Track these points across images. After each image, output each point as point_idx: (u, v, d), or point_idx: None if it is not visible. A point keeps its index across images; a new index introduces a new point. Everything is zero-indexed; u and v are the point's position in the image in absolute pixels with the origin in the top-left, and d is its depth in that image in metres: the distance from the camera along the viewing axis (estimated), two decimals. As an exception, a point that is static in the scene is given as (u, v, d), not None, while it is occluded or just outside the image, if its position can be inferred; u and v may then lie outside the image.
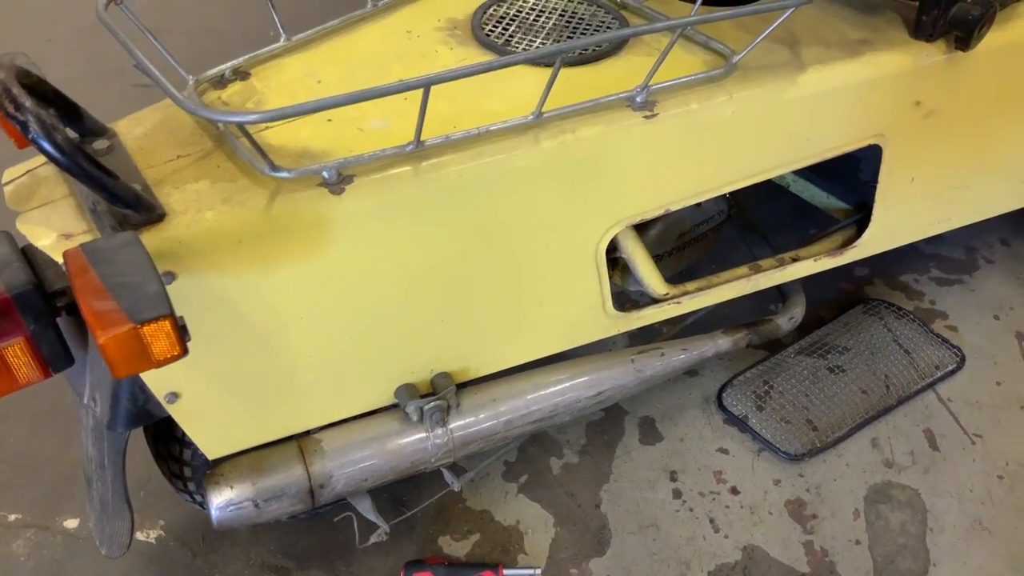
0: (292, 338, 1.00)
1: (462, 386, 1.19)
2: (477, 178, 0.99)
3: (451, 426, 1.16)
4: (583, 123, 1.04)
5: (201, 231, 0.87)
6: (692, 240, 1.49)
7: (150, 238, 0.85)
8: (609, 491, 1.48)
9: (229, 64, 1.11)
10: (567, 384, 1.24)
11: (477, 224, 1.04)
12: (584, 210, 1.10)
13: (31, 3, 2.93)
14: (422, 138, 0.95)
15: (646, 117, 1.06)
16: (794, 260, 1.40)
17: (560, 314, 1.20)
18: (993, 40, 1.24)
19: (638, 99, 1.06)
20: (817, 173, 1.60)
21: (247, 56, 1.12)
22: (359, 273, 0.99)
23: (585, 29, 1.22)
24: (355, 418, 1.14)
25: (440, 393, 1.14)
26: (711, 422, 1.59)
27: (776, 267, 1.38)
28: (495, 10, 1.26)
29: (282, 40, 1.15)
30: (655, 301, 1.29)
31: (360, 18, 1.23)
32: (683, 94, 1.09)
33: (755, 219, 1.65)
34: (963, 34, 1.18)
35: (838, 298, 1.84)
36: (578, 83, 1.11)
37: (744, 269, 1.37)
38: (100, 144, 0.95)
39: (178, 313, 0.75)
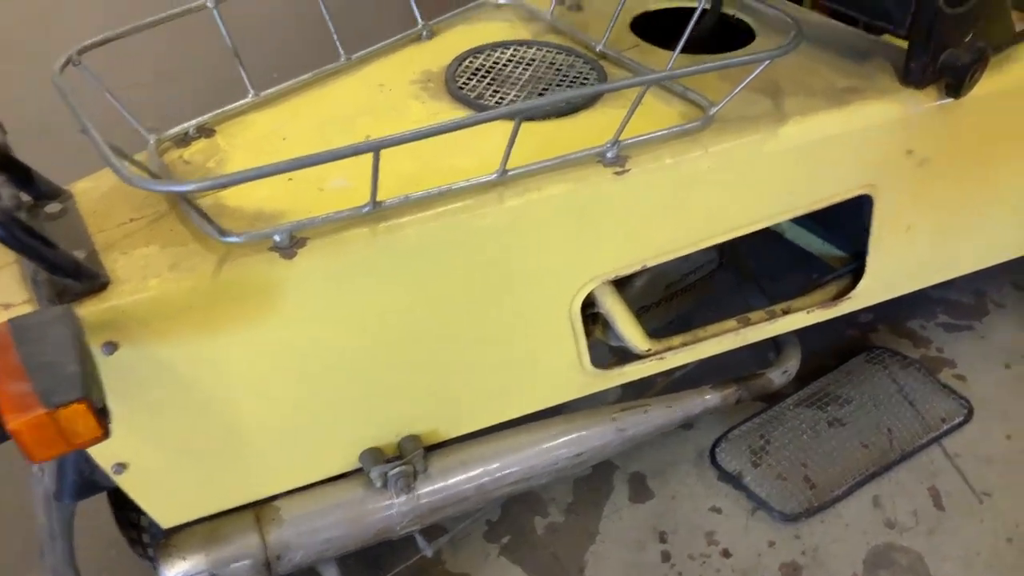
0: (245, 405, 0.96)
1: (432, 448, 1.15)
2: (438, 239, 0.96)
3: (419, 492, 1.12)
4: (550, 180, 1.01)
5: (145, 299, 0.85)
6: (681, 290, 1.44)
7: (91, 308, 0.83)
8: (595, 553, 1.42)
9: (194, 121, 1.09)
10: (544, 445, 1.20)
11: (441, 285, 1.00)
12: (554, 268, 1.07)
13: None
14: (380, 199, 0.92)
15: (617, 173, 1.03)
16: (785, 312, 1.34)
17: (534, 373, 1.16)
18: (988, 86, 1.19)
19: (608, 155, 1.03)
20: (813, 219, 1.54)
21: (213, 113, 1.11)
22: (315, 337, 0.96)
23: (561, 81, 1.19)
24: (319, 484, 1.10)
25: (406, 457, 1.09)
26: (704, 479, 1.53)
27: (766, 320, 1.33)
28: (471, 62, 1.23)
29: (250, 96, 1.13)
30: (638, 357, 1.24)
31: (333, 71, 1.21)
32: (656, 149, 1.05)
33: (751, 266, 1.61)
34: (954, 81, 1.13)
35: (841, 345, 1.77)
36: (550, 137, 1.08)
37: (732, 322, 1.32)
38: (52, 208, 0.93)
39: (119, 383, 0.72)
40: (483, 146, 1.06)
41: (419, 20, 1.30)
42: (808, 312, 1.35)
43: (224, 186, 0.89)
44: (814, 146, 1.13)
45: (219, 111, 1.11)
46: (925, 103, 1.17)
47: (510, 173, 0.98)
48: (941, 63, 1.14)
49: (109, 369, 0.84)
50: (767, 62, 1.03)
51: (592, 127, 1.10)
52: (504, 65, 1.23)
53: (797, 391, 1.68)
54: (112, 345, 0.84)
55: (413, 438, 1.12)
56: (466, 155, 1.05)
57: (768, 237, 1.57)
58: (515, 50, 1.26)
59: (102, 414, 0.72)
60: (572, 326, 1.13)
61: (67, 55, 0.97)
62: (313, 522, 1.07)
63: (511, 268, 1.04)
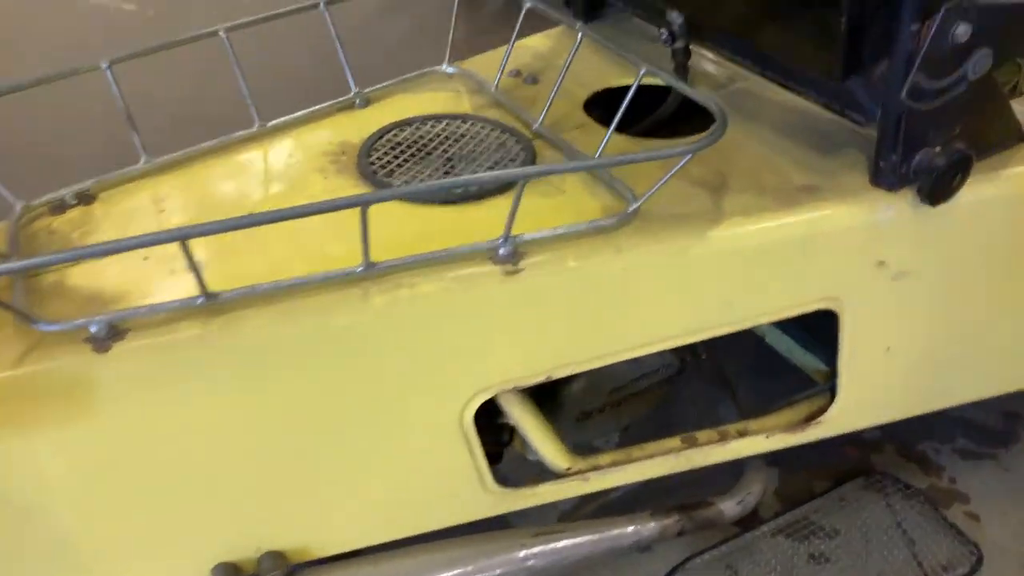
0: (64, 510, 0.86)
1: (306, 566, 1.02)
2: (286, 339, 0.85)
3: (278, 623, 0.98)
4: (427, 276, 0.88)
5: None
6: (631, 395, 1.29)
7: None
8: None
9: (74, 187, 1.02)
10: (430, 574, 1.05)
11: (293, 390, 0.89)
12: (436, 375, 0.94)
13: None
14: (218, 289, 0.82)
15: (507, 273, 0.90)
16: (740, 435, 1.17)
17: (422, 490, 1.02)
18: (980, 191, 1.02)
19: (500, 251, 0.90)
20: (794, 324, 1.37)
21: (97, 179, 1.03)
22: (139, 439, 0.85)
23: (485, 161, 1.08)
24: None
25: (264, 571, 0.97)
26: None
27: (716, 441, 1.16)
28: (394, 135, 1.14)
29: (141, 161, 1.06)
30: (558, 476, 1.09)
31: (244, 138, 1.13)
32: (560, 247, 0.92)
33: (727, 372, 1.44)
34: (927, 187, 0.97)
35: (836, 465, 1.56)
36: (450, 225, 0.97)
37: (675, 442, 1.15)
38: None
39: None
40: (377, 232, 0.95)
41: (352, 86, 1.22)
42: (768, 436, 1.18)
43: (26, 269, 0.80)
44: (754, 252, 0.98)
45: (105, 176, 1.04)
46: (897, 209, 1.01)
47: (380, 266, 0.87)
48: (914, 165, 0.98)
49: None
50: (688, 156, 0.89)
51: (501, 216, 0.98)
52: (429, 140, 1.13)
53: (777, 516, 1.48)
54: None
55: (275, 555, 0.99)
56: (349, 241, 0.93)
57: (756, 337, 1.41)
58: (447, 124, 1.16)
59: None
60: (466, 439, 0.99)
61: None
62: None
63: (382, 373, 0.91)
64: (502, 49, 1.37)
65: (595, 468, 1.11)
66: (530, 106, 1.20)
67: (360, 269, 0.86)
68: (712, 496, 1.26)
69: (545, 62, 1.35)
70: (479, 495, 1.04)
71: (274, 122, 1.15)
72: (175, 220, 0.97)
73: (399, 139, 1.13)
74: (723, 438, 1.17)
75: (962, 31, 0.86)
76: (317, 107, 1.20)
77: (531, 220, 0.94)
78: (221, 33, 1.10)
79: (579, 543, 1.14)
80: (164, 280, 0.88)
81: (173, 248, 0.88)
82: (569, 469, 1.09)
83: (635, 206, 0.95)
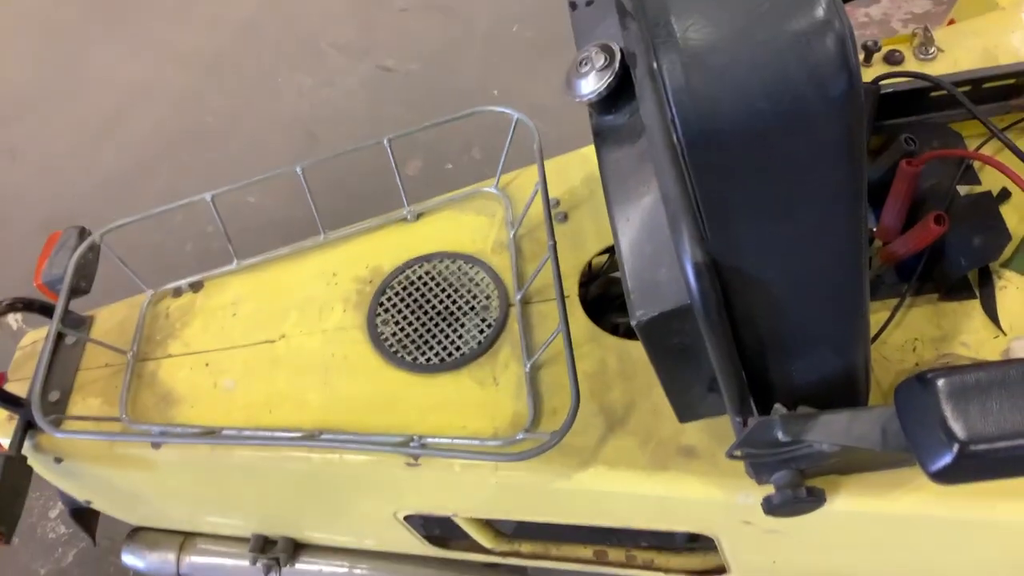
0: (150, 497, 1.44)
1: (307, 547, 1.55)
2: (257, 467, 1.27)
3: (281, 576, 1.54)
4: (352, 451, 1.23)
5: (74, 442, 1.32)
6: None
7: (44, 438, 1.32)
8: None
9: (189, 279, 1.46)
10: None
11: (272, 483, 1.33)
12: (364, 499, 1.32)
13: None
14: (233, 424, 1.25)
15: (408, 464, 1.21)
16: (645, 566, 1.42)
17: (377, 535, 1.46)
18: (848, 504, 1.09)
19: (411, 444, 1.21)
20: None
21: (206, 273, 1.46)
22: (185, 485, 1.37)
23: (468, 322, 1.31)
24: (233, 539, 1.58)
25: (275, 552, 1.51)
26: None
27: (623, 564, 1.43)
28: (414, 271, 1.40)
29: (234, 264, 1.46)
30: (484, 548, 1.46)
31: (309, 247, 1.47)
32: (451, 455, 1.20)
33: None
34: (767, 506, 1.07)
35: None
36: (411, 392, 1.26)
37: (588, 552, 1.44)
38: (70, 339, 1.41)
39: (69, 474, 1.25)
40: (350, 383, 1.29)
41: (405, 204, 1.47)
42: (667, 574, 1.42)
43: (77, 436, 1.28)
44: (618, 496, 1.17)
45: (212, 271, 1.46)
46: (758, 499, 1.12)
47: (322, 439, 1.22)
48: (772, 479, 1.07)
49: (62, 469, 1.36)
50: (545, 449, 1.08)
51: (457, 393, 1.24)
52: (436, 284, 1.37)
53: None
54: (59, 460, 1.34)
55: (288, 539, 1.52)
56: (324, 391, 1.29)
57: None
58: (460, 265, 1.39)
59: (1, 534, 1.22)
60: (401, 525, 1.39)
61: (91, 239, 1.38)
62: (212, 563, 1.56)
63: (331, 491, 1.32)
64: (571, 155, 1.49)
65: (515, 553, 1.45)
66: (541, 253, 1.37)
67: (310, 442, 1.23)
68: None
69: (591, 186, 1.45)
70: (417, 546, 1.46)
71: (335, 234, 1.47)
72: (241, 325, 1.38)
73: (414, 276, 1.39)
74: (630, 563, 1.43)
75: (782, 436, 0.92)
76: (375, 219, 1.48)
77: (456, 410, 1.22)
78: (297, 169, 1.40)
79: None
80: (206, 391, 1.32)
81: (218, 363, 1.32)
82: (493, 549, 1.44)
83: (520, 437, 1.17)
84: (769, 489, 1.07)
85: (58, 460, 1.34)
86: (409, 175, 2.49)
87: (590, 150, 1.49)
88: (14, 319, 2.46)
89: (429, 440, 1.20)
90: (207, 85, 3.01)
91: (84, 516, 1.58)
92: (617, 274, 1.58)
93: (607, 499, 1.18)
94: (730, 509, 1.14)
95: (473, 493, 1.25)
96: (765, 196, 0.69)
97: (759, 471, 1.05)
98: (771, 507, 1.05)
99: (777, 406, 0.92)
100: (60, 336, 1.39)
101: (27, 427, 1.30)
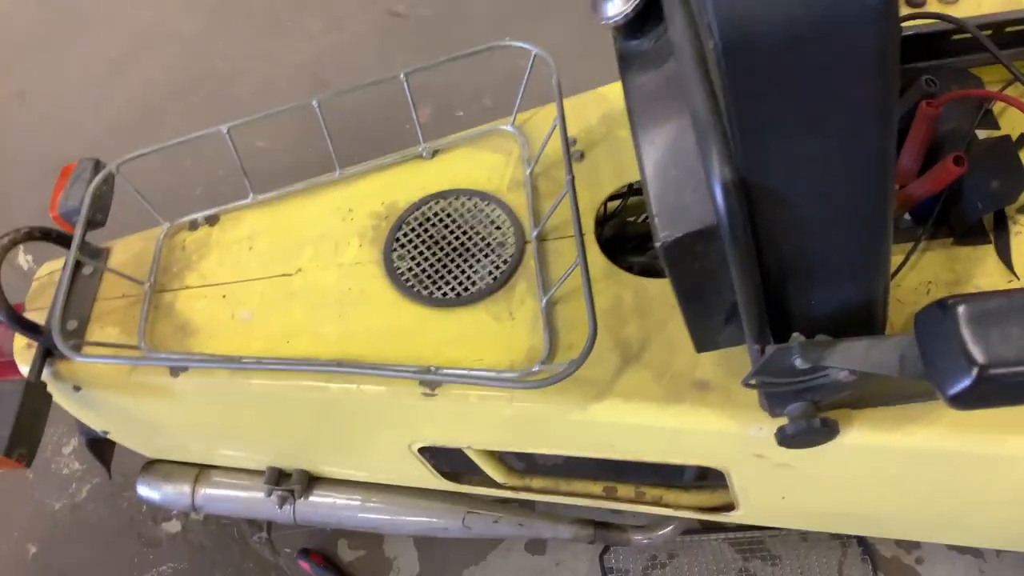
0: (167, 427, 1.46)
1: (320, 480, 1.57)
2: (279, 397, 1.29)
3: (296, 508, 1.56)
4: (372, 380, 1.24)
5: (93, 370, 1.33)
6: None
7: (64, 366, 1.33)
8: (472, 574, 1.78)
9: (205, 212, 1.46)
10: (397, 512, 1.55)
11: (293, 420, 1.35)
12: (379, 430, 1.34)
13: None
14: (252, 353, 1.27)
15: (425, 395, 1.23)
16: (654, 502, 1.45)
17: (394, 466, 1.48)
18: (860, 438, 1.10)
19: (427, 375, 1.22)
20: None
21: (222, 207, 1.46)
22: (201, 416, 1.39)
23: (483, 259, 1.32)
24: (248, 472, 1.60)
25: (290, 484, 1.53)
26: (593, 561, 1.76)
27: (632, 499, 1.45)
28: (430, 207, 1.40)
29: (249, 198, 1.46)
30: (495, 485, 1.48)
31: (325, 182, 1.47)
32: (467, 385, 1.21)
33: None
34: (781, 436, 1.08)
35: (817, 507, 1.74)
36: (428, 326, 1.26)
37: (598, 488, 1.47)
38: (87, 269, 1.41)
39: (87, 402, 1.26)
40: (369, 316, 1.30)
41: (420, 141, 1.46)
42: (676, 510, 1.44)
43: (102, 360, 1.29)
44: (630, 427, 1.19)
45: (228, 205, 1.46)
46: (771, 430, 1.13)
47: (343, 367, 1.24)
48: (786, 411, 1.08)
49: (80, 398, 1.37)
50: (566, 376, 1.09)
51: (475, 327, 1.25)
52: (452, 221, 1.37)
53: (739, 529, 1.74)
54: (77, 388, 1.35)
55: (302, 471, 1.54)
56: (341, 324, 1.30)
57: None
58: (476, 203, 1.39)
59: (22, 457, 1.24)
60: (415, 457, 1.41)
61: (108, 169, 1.38)
62: (226, 495, 1.59)
63: (348, 421, 1.33)
64: (587, 95, 1.48)
65: (526, 488, 1.47)
66: (559, 191, 1.36)
67: (329, 368, 1.24)
68: (628, 526, 1.57)
69: (607, 125, 1.45)
70: (429, 478, 1.48)
71: (351, 169, 1.47)
72: (259, 259, 1.39)
73: (430, 213, 1.39)
74: (638, 499, 1.45)
75: (800, 363, 0.93)
76: (390, 156, 1.48)
77: (472, 343, 1.23)
78: (314, 103, 1.40)
79: (506, 525, 1.56)
80: (223, 322, 1.33)
81: (235, 295, 1.33)
82: (504, 483, 1.47)
83: (536, 369, 1.19)
84: (783, 422, 1.08)
85: (77, 388, 1.35)
86: (420, 122, 2.48)
87: (607, 89, 1.49)
88: (25, 259, 2.47)
89: (446, 371, 1.21)
90: (215, 29, 2.97)
91: (100, 448, 1.60)
92: (631, 217, 1.59)
93: (621, 431, 1.20)
94: (743, 442, 1.16)
95: (488, 424, 1.26)
96: (798, 108, 0.69)
97: (773, 403, 1.06)
98: (785, 437, 1.06)
99: (795, 335, 0.93)
100: (77, 267, 1.40)
101: (46, 354, 1.32)
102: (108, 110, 2.78)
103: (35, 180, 2.64)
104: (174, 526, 1.93)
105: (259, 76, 2.78)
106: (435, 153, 1.47)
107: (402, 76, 1.40)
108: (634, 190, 1.51)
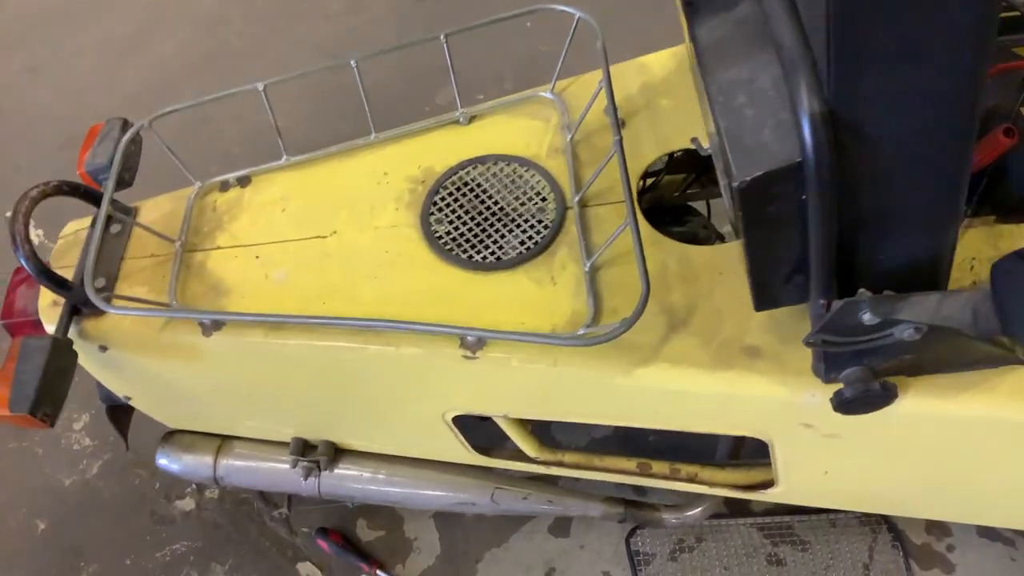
0: (193, 392, 1.42)
1: (345, 452, 1.53)
2: (311, 358, 1.25)
3: (320, 480, 1.52)
4: (410, 341, 1.21)
5: (121, 329, 1.29)
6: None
7: (91, 324, 1.29)
8: (494, 555, 1.74)
9: (237, 173, 1.43)
10: (423, 485, 1.51)
11: (323, 380, 1.32)
12: (414, 398, 1.30)
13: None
14: (287, 311, 1.23)
15: (466, 357, 1.19)
16: (689, 479, 1.42)
17: (425, 439, 1.45)
18: (916, 405, 1.08)
19: (468, 338, 1.19)
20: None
21: (253, 168, 1.43)
22: (229, 378, 1.36)
23: (523, 224, 1.29)
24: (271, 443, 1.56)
25: (316, 455, 1.49)
26: (618, 545, 1.72)
27: (666, 476, 1.43)
28: (467, 172, 1.37)
29: (283, 159, 1.43)
30: (527, 459, 1.45)
31: (361, 146, 1.44)
32: (509, 348, 1.18)
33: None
34: (837, 402, 1.06)
35: (845, 492, 1.72)
36: (466, 290, 1.23)
37: (632, 464, 1.44)
38: (115, 228, 1.38)
39: (112, 365, 1.24)
40: (407, 279, 1.27)
41: (458, 105, 1.44)
42: (711, 488, 1.41)
43: (146, 315, 1.25)
44: (677, 394, 1.16)
45: (260, 167, 1.43)
46: (824, 397, 1.10)
47: (379, 324, 1.20)
48: (842, 376, 1.05)
49: (105, 359, 1.34)
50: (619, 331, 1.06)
51: (515, 291, 1.22)
52: (490, 187, 1.35)
53: (766, 513, 1.71)
54: (104, 348, 1.32)
55: (328, 443, 1.51)
56: (382, 284, 1.27)
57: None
58: (514, 168, 1.36)
59: (47, 416, 1.20)
60: (448, 428, 1.38)
61: (140, 123, 1.35)
62: (249, 466, 1.55)
63: (382, 387, 1.30)
64: (627, 64, 1.46)
65: (558, 463, 1.44)
66: (599, 158, 1.34)
67: (363, 324, 1.21)
68: (660, 504, 1.54)
69: (648, 95, 1.42)
70: (461, 452, 1.45)
71: (386, 134, 1.44)
72: (292, 220, 1.35)
73: (468, 178, 1.36)
74: (673, 476, 1.42)
75: (868, 318, 0.91)
76: (425, 121, 1.45)
77: (513, 307, 1.20)
78: (352, 63, 1.37)
79: (535, 502, 1.52)
80: (258, 281, 1.30)
81: (269, 255, 1.30)
82: (536, 458, 1.43)
83: (582, 332, 1.16)
84: (836, 389, 1.06)
85: (103, 348, 1.31)
86: (439, 104, 2.45)
87: (647, 59, 1.46)
88: (36, 233, 2.43)
89: (490, 334, 1.18)
90: (230, 7, 2.94)
91: (119, 416, 1.56)
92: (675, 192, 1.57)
93: (666, 398, 1.17)
94: (793, 409, 1.13)
95: (529, 390, 1.23)
96: (899, 32, 0.67)
97: (829, 367, 1.04)
98: (842, 402, 1.04)
99: (862, 290, 0.91)
100: (106, 225, 1.37)
101: (73, 311, 1.28)
102: (122, 86, 2.75)
103: (48, 154, 2.61)
104: (188, 504, 1.89)
105: (274, 55, 2.75)
106: (472, 119, 1.45)
107: (442, 37, 1.38)
108: (674, 160, 1.49)
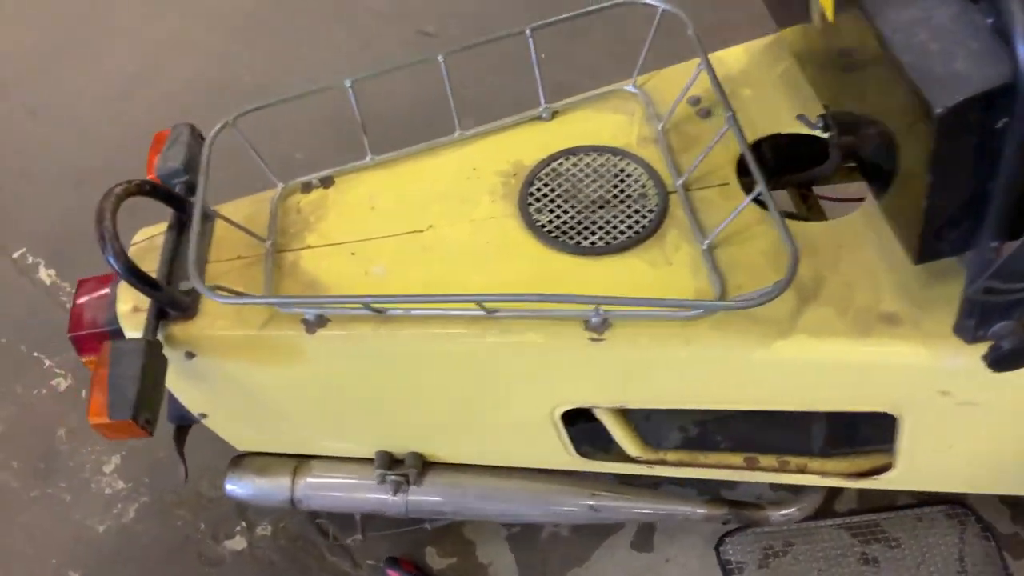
0: (281, 404, 1.34)
1: (433, 465, 1.45)
2: (427, 350, 1.19)
3: (408, 496, 1.44)
4: (531, 327, 1.16)
5: (213, 333, 1.21)
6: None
7: (178, 329, 1.21)
8: (577, 573, 1.66)
9: (321, 173, 1.38)
10: (516, 500, 1.44)
11: (433, 378, 1.26)
12: (527, 390, 1.25)
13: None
14: (385, 293, 1.19)
15: (592, 340, 1.15)
16: (799, 470, 1.38)
17: (524, 444, 1.38)
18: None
19: (593, 319, 1.15)
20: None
21: (337, 168, 1.39)
22: (330, 383, 1.28)
23: (625, 211, 1.26)
24: (349, 460, 1.47)
25: (403, 469, 1.41)
26: (705, 557, 1.66)
27: (775, 469, 1.38)
28: (560, 163, 1.35)
29: (368, 158, 1.38)
30: (629, 459, 1.39)
31: (445, 144, 1.40)
32: (638, 327, 1.14)
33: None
34: (992, 357, 1.04)
35: (928, 485, 1.69)
36: (573, 276, 1.20)
37: (738, 459, 1.39)
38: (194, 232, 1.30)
39: (196, 374, 1.16)
40: (513, 267, 1.22)
41: (542, 101, 1.42)
42: (824, 477, 1.37)
43: (246, 303, 1.19)
44: (815, 365, 1.13)
45: (344, 167, 1.39)
46: (969, 357, 1.09)
47: (498, 314, 1.15)
48: (991, 333, 1.04)
49: (190, 367, 1.25)
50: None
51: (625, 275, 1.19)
52: (586, 176, 1.33)
53: (851, 513, 1.67)
54: (191, 355, 1.23)
55: (416, 455, 1.43)
56: (492, 273, 1.22)
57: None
58: (608, 158, 1.35)
59: (147, 423, 1.11)
60: (554, 426, 1.32)
61: (224, 121, 1.30)
62: (330, 486, 1.46)
63: (493, 382, 1.24)
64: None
65: (661, 462, 1.39)
66: (691, 146, 1.34)
67: (483, 313, 1.15)
68: (764, 502, 1.49)
69: (730, 87, 1.43)
70: (562, 456, 1.38)
71: (471, 131, 1.41)
72: (382, 217, 1.30)
73: (562, 169, 1.34)
74: (782, 468, 1.38)
75: (1048, 258, 0.90)
76: (510, 119, 1.43)
77: (631, 288, 1.17)
78: (439, 58, 1.35)
79: (635, 507, 1.46)
80: (357, 278, 1.24)
81: (366, 252, 1.24)
82: (639, 457, 1.38)
83: (717, 304, 1.12)
84: (980, 350, 1.05)
85: (190, 355, 1.23)
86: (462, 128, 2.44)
87: (724, 53, 1.47)
88: (47, 273, 2.31)
89: (616, 313, 1.14)
90: (237, 44, 2.91)
91: (183, 439, 1.46)
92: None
93: (803, 371, 1.15)
94: (933, 375, 1.11)
95: (658, 372, 1.19)
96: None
97: (980, 322, 1.03)
98: (1000, 355, 1.03)
99: (1035, 232, 0.90)
100: (183, 228, 1.30)
101: (160, 315, 1.20)
102: (129, 122, 2.67)
103: (50, 192, 2.51)
104: (239, 543, 1.77)
105: (285, 90, 2.71)
106: (554, 115, 1.43)
107: (528, 32, 1.37)
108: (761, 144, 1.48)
